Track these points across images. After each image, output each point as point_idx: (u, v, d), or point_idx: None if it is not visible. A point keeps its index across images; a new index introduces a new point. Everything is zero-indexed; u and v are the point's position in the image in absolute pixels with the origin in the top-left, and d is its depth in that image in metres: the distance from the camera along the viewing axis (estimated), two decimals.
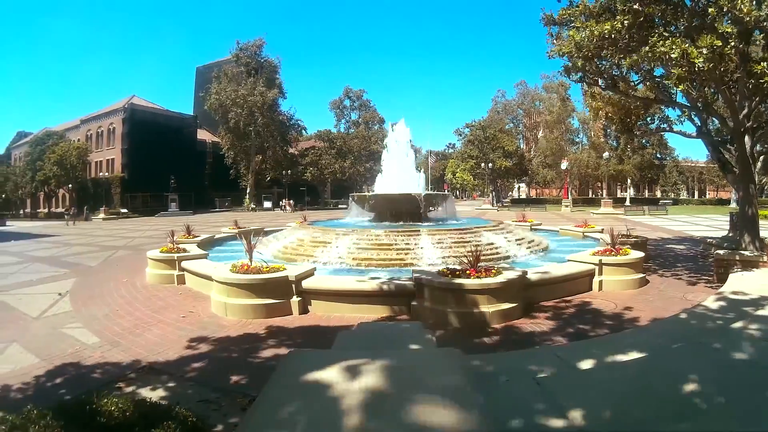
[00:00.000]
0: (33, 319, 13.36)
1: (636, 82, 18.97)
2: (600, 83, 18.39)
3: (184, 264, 17.24)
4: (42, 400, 6.62)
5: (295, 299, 13.06)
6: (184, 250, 18.34)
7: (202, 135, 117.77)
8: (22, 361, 9.95)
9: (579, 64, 16.38)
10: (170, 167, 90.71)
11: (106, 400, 5.06)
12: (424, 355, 6.21)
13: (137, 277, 18.73)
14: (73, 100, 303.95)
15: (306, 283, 13.25)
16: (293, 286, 13.13)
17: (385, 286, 12.84)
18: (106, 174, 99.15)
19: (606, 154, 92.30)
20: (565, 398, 5.53)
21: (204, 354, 10.00)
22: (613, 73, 17.58)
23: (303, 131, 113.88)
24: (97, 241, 37.92)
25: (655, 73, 17.41)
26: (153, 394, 7.40)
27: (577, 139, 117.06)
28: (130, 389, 7.94)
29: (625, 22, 14.24)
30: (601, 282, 14.84)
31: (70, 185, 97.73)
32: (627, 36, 14.69)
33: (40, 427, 4.37)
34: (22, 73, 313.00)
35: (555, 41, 16.67)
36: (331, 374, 4.80)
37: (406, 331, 8.80)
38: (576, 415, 5.10)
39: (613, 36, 14.54)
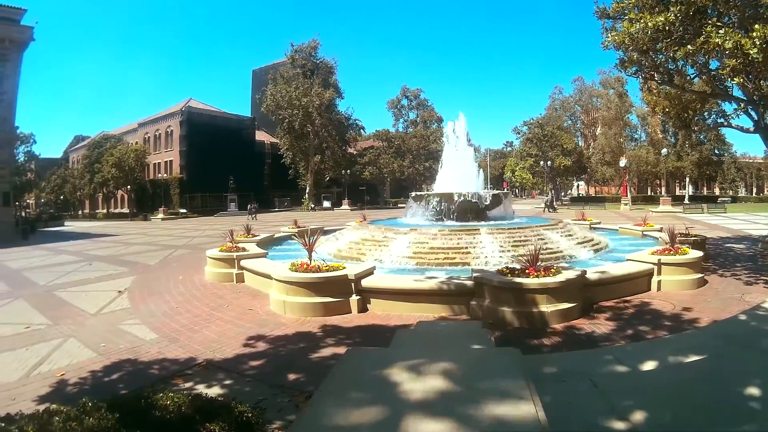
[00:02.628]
0: (91, 316, 13.61)
1: (692, 76, 18.64)
2: (656, 77, 18.13)
3: (243, 263, 17.34)
4: (98, 394, 6.64)
5: (354, 298, 13.01)
6: (244, 249, 18.48)
7: (261, 136, 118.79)
8: (79, 355, 10.12)
9: (634, 57, 16.25)
10: (229, 168, 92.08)
11: (161, 394, 5.04)
12: (482, 354, 6.10)
13: (196, 275, 18.96)
14: (130, 106, 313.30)
15: (365, 282, 13.20)
16: (352, 284, 13.09)
17: (444, 286, 12.70)
18: (165, 175, 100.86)
19: (664, 151, 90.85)
20: (622, 400, 5.45)
21: (262, 351, 10.01)
22: (669, 66, 17.30)
23: (361, 131, 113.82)
24: (156, 241, 38.67)
25: (710, 66, 17.08)
26: (210, 390, 7.42)
27: (636, 136, 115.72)
28: (187, 385, 7.99)
29: (679, 14, 14.02)
30: (659, 282, 14.42)
31: (128, 186, 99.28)
32: (681, 28, 14.48)
33: (95, 419, 4.35)
34: (78, 79, 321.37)
35: (609, 34, 16.46)
36: (389, 372, 4.74)
37: (465, 330, 8.74)
38: (632, 417, 5.00)
39: (667, 28, 14.34)
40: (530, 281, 11.53)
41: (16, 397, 7.92)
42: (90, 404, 4.64)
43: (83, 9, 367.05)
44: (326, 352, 9.82)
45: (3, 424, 4.38)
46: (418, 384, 4.43)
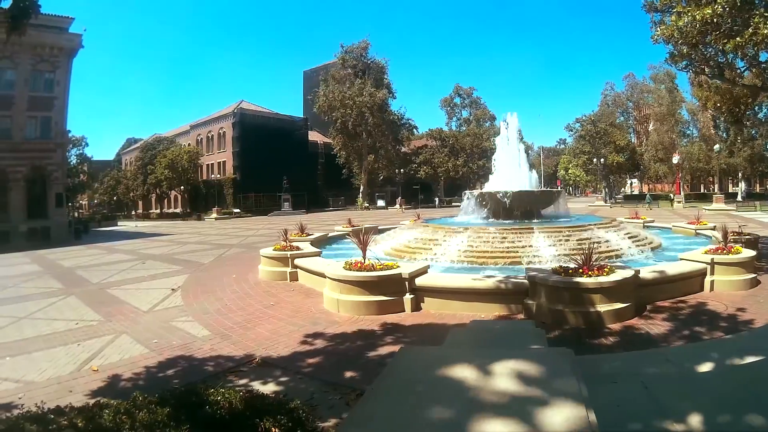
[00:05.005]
0: (144, 313, 13.82)
1: (742, 69, 18.35)
2: (706, 71, 17.90)
3: (297, 261, 17.44)
4: (150, 389, 6.66)
5: (407, 296, 12.98)
6: (298, 248, 18.59)
7: (314, 137, 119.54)
8: (130, 351, 10.29)
9: (684, 51, 16.11)
10: (282, 168, 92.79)
11: (212, 390, 5.03)
12: (535, 354, 5.96)
13: (249, 273, 19.13)
14: (181, 109, 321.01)
15: (419, 281, 13.15)
16: (406, 283, 13.05)
17: (498, 284, 12.63)
18: (218, 176, 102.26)
19: (716, 147, 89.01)
20: (672, 401, 5.26)
21: (315, 349, 10.01)
22: (719, 60, 17.08)
23: (414, 130, 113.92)
24: (209, 240, 39.16)
25: (760, 59, 16.81)
26: (262, 387, 7.47)
27: (688, 132, 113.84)
28: (240, 382, 8.04)
29: (726, 5, 13.79)
30: (712, 282, 14.06)
31: (181, 187, 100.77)
32: (729, 19, 14.27)
33: (145, 414, 4.33)
34: (131, 83, 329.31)
35: (658, 28, 16.29)
36: (441, 371, 4.68)
37: (519, 329, 8.62)
38: (682, 419, 4.81)
39: (714, 20, 14.15)
40: (587, 280, 11.42)
41: (67, 390, 8.04)
42: (141, 398, 4.67)
43: (135, 16, 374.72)
44: (379, 350, 9.80)
45: (53, 416, 4.39)
46: (470, 383, 4.37)
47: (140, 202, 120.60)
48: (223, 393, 4.96)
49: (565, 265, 12.67)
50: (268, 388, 7.51)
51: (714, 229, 22.84)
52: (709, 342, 9.46)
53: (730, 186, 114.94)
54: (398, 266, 13.80)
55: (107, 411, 4.40)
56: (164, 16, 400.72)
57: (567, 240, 18.58)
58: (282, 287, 16.49)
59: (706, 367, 6.65)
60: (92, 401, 4.94)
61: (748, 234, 19.39)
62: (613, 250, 18.25)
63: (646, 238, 21.73)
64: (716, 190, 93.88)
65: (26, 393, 7.93)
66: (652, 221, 30.42)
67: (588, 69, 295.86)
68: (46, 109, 47.47)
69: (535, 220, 23.30)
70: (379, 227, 26.87)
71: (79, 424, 4.19)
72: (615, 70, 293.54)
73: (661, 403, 5.28)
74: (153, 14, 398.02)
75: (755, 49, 15.30)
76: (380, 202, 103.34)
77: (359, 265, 13.51)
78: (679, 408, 5.03)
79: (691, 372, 6.50)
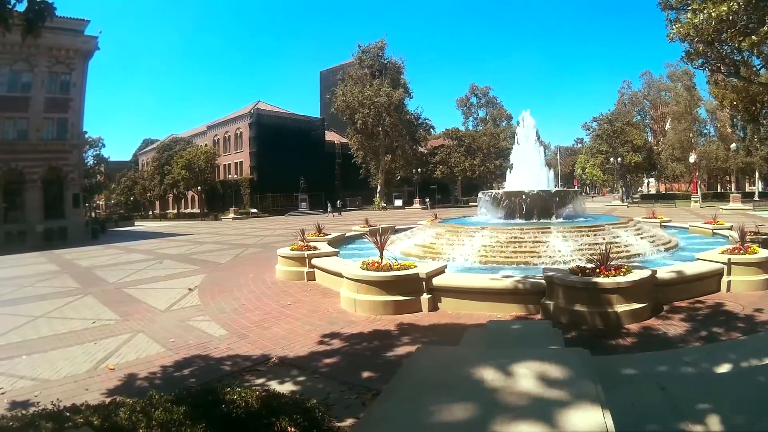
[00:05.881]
0: (160, 312, 13.89)
1: (758, 67, 18.30)
2: (722, 69, 17.87)
3: (314, 261, 17.47)
4: (166, 388, 6.70)
5: (425, 296, 12.95)
6: (315, 248, 18.58)
7: (330, 137, 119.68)
8: (147, 350, 10.34)
9: (700, 49, 16.10)
10: (299, 168, 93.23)
11: (229, 389, 5.06)
12: (552, 354, 5.94)
13: (267, 273, 19.15)
14: (197, 110, 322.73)
15: (436, 281, 13.12)
16: (423, 283, 13.02)
17: (515, 285, 12.56)
18: (235, 176, 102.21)
19: (733, 146, 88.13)
20: (689, 404, 5.20)
21: (332, 349, 10.01)
22: (735, 58, 17.03)
23: (431, 130, 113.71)
24: (226, 240, 39.35)
25: None
26: (279, 387, 7.48)
27: (705, 131, 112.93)
28: (257, 381, 8.05)
29: (741, 2, 13.74)
30: (729, 282, 13.89)
31: (198, 187, 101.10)
32: (744, 17, 14.23)
33: (161, 412, 4.35)
34: (147, 85, 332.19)
35: (674, 26, 16.25)
36: (457, 371, 4.67)
37: (536, 329, 8.58)
38: (699, 422, 4.78)
39: (730, 18, 14.10)
40: (604, 280, 11.35)
41: (83, 388, 8.10)
42: (157, 397, 4.70)
43: (153, 16, 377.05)
44: (396, 350, 9.77)
45: (69, 414, 4.42)
46: (487, 383, 4.36)
47: (157, 203, 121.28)
48: (239, 392, 4.99)
49: (583, 265, 12.60)
50: (285, 388, 7.52)
51: (731, 228, 22.68)
52: (727, 343, 9.36)
53: (747, 185, 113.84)
54: (415, 266, 13.75)
55: (123, 409, 4.44)
56: (179, 17, 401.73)
57: (584, 240, 18.50)
58: (299, 287, 16.52)
59: (723, 368, 6.60)
60: (108, 400, 4.97)
61: (766, 234, 19.27)
62: (630, 250, 18.15)
63: (663, 237, 21.63)
64: (733, 190, 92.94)
65: (42, 391, 8.00)
66: (669, 221, 30.19)
67: (605, 67, 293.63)
68: (63, 110, 48.28)
69: (552, 220, 23.24)
70: (396, 227, 26.81)
71: (95, 422, 4.22)
72: (632, 68, 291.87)
73: (678, 405, 5.25)
74: (168, 14, 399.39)
75: None
76: (397, 202, 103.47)
77: (376, 264, 13.49)
78: (696, 409, 4.99)
79: (709, 373, 6.45)
